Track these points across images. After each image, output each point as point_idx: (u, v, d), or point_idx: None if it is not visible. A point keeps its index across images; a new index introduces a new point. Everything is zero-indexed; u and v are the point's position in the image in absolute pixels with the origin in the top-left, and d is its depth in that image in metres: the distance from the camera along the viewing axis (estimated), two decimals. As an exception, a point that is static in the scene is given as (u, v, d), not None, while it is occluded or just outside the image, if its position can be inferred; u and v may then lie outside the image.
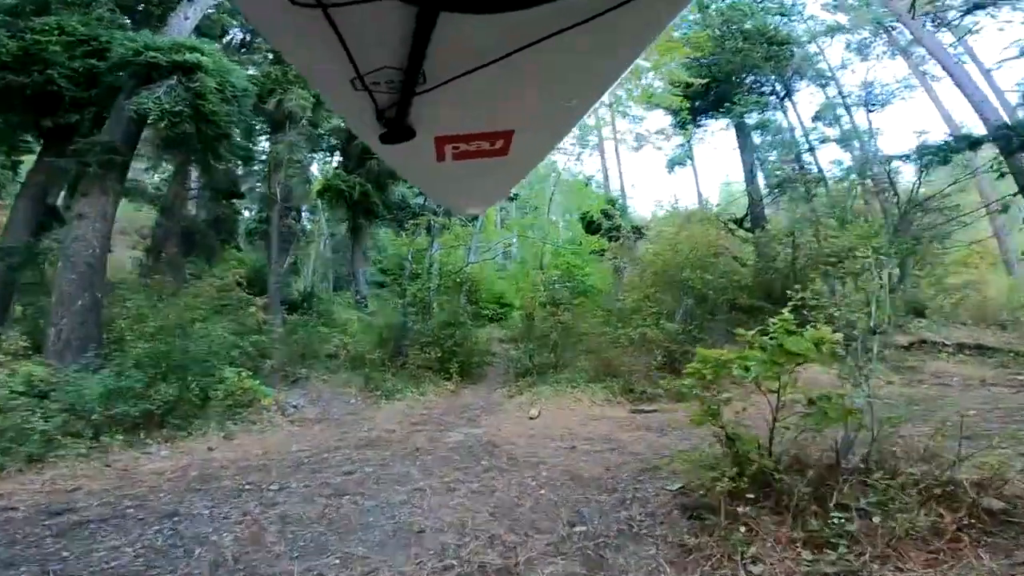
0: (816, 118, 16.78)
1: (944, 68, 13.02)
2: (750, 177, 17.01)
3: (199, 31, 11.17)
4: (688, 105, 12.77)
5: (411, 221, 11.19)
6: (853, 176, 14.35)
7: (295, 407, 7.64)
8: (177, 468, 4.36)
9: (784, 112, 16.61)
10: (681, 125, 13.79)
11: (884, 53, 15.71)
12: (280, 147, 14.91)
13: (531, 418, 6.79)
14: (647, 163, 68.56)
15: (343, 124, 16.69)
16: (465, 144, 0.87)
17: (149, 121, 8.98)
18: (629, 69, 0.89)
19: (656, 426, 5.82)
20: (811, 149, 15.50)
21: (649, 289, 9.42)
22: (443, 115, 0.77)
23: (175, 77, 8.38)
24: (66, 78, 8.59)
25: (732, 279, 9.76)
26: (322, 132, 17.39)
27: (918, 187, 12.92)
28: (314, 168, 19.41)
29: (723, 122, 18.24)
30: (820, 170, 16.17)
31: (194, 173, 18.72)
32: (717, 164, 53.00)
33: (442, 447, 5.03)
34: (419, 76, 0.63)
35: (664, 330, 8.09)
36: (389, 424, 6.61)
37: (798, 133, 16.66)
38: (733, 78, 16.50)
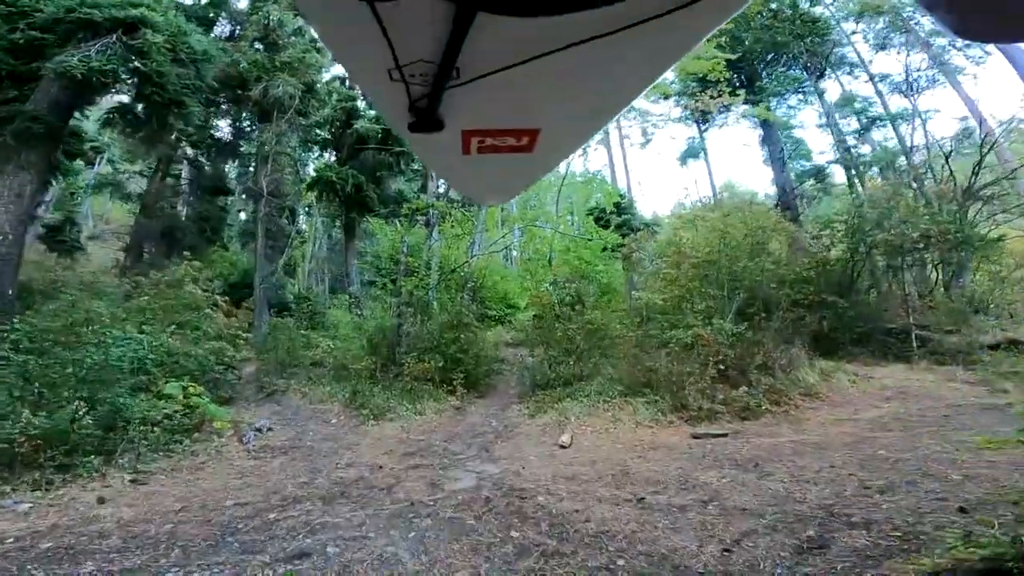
0: (846, 103, 15.47)
1: (998, 47, 12.05)
2: (779, 166, 15.67)
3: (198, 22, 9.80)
4: (727, 75, 11.32)
5: (406, 205, 9.59)
6: (885, 163, 13.17)
7: (258, 431, 6.02)
8: (27, 533, 2.75)
9: (819, 96, 15.21)
10: (731, 92, 12.41)
11: (903, 44, 14.52)
12: (267, 136, 13.51)
13: (562, 447, 5.18)
14: (651, 163, 67.36)
15: (335, 115, 15.37)
16: (491, 139, 0.84)
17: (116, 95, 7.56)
18: (663, 76, 0.88)
19: (741, 459, 4.22)
20: (857, 133, 14.09)
21: (692, 283, 7.84)
22: (472, 109, 0.75)
23: (114, 36, 6.96)
24: (4, 50, 7.30)
25: (792, 270, 8.18)
26: (311, 123, 15.97)
27: (977, 175, 11.64)
28: (310, 169, 18.04)
29: (742, 109, 16.97)
30: (853, 157, 14.84)
31: (184, 171, 17.38)
32: (727, 163, 51.75)
33: (448, 500, 3.42)
34: (452, 71, 0.63)
35: (721, 331, 6.51)
36: (375, 456, 5.00)
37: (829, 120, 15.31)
38: (758, 61, 15.22)
